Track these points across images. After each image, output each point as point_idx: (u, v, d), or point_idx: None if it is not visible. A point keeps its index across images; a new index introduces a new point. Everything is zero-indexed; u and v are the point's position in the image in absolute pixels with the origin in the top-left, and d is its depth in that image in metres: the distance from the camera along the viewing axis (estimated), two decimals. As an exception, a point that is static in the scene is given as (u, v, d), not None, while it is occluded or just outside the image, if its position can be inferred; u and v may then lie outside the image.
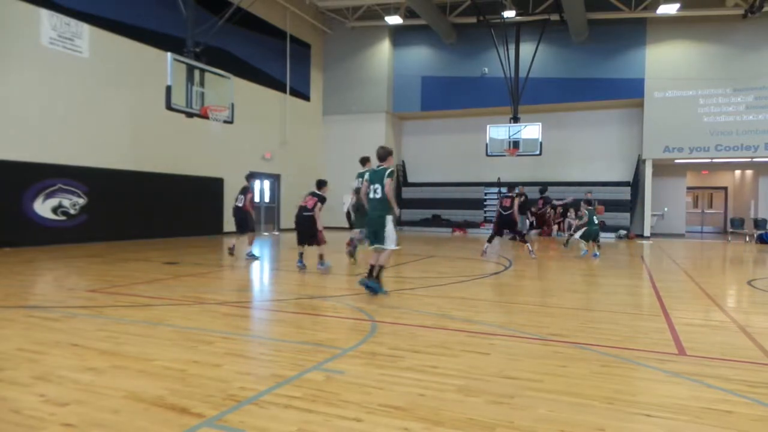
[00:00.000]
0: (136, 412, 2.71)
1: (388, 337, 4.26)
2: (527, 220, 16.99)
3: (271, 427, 2.53)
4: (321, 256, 8.43)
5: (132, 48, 13.97)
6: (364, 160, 9.03)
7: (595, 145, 20.44)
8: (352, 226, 9.99)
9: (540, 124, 17.02)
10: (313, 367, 3.44)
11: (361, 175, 8.55)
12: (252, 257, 9.78)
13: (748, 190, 22.27)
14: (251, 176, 10.72)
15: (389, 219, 6.14)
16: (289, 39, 19.99)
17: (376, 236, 6.21)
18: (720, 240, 18.96)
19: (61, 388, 3.02)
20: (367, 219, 6.44)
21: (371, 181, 6.20)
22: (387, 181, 6.04)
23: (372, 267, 6.23)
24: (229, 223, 10.25)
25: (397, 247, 6.25)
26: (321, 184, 8.77)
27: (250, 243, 10.13)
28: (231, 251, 10.15)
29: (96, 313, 5.11)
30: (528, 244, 11.07)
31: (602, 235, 18.92)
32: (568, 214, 18.99)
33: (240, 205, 10.04)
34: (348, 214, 10.19)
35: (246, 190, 10.12)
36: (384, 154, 6.21)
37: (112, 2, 13.46)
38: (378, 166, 6.27)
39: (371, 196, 6.19)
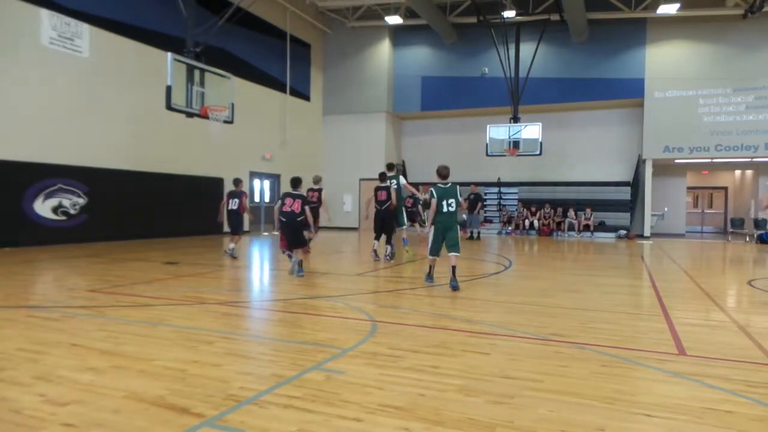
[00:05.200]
0: (136, 412, 2.71)
1: (388, 337, 4.26)
2: (479, 219, 17.16)
3: (271, 427, 2.53)
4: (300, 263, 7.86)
5: (132, 48, 13.97)
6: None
7: (595, 145, 20.43)
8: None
9: (540, 124, 17.01)
10: (313, 367, 3.44)
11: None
12: (232, 254, 10.01)
13: (748, 190, 22.26)
14: (240, 181, 10.81)
15: None
16: (289, 39, 19.98)
17: None
18: (720, 240, 18.96)
19: (61, 388, 3.02)
20: None
21: None
22: None
23: None
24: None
25: None
26: (297, 182, 8.03)
27: (236, 242, 10.34)
28: (233, 255, 10.09)
29: (96, 313, 5.11)
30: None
31: (603, 235, 19.19)
32: (568, 213, 19.04)
33: (235, 208, 10.33)
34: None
35: (240, 194, 10.40)
36: None
37: (112, 2, 13.46)
38: None
39: None
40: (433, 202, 6.69)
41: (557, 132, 19.67)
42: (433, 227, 6.82)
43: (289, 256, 8.02)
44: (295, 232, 7.65)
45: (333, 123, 22.51)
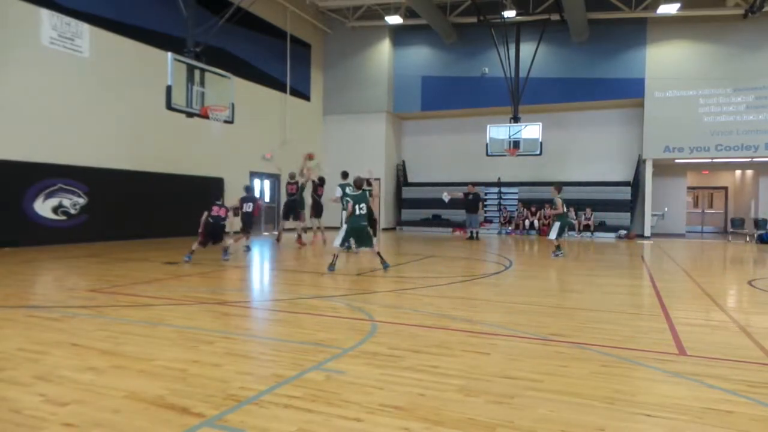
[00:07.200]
0: (136, 412, 2.71)
1: (388, 337, 4.26)
2: (478, 219, 17.22)
3: (271, 427, 2.53)
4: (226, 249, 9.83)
5: (132, 48, 13.97)
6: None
7: (595, 145, 20.43)
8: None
9: (540, 124, 17.02)
10: (313, 367, 3.43)
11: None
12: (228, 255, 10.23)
13: (748, 190, 22.27)
14: (251, 188, 12.08)
15: None
16: (289, 39, 19.98)
17: None
18: (720, 240, 18.95)
19: (62, 388, 3.02)
20: None
21: None
22: None
23: None
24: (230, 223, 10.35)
25: None
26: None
27: (247, 240, 11.56)
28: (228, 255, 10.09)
29: (96, 313, 5.11)
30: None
31: (603, 235, 19.18)
32: (569, 214, 19.03)
33: (250, 210, 11.26)
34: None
35: (255, 199, 11.50)
36: None
37: (112, 2, 13.46)
38: None
39: None
40: (350, 205, 8.33)
41: (557, 132, 19.66)
42: (345, 225, 8.47)
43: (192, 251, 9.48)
44: (219, 232, 9.63)
45: (333, 123, 22.51)
